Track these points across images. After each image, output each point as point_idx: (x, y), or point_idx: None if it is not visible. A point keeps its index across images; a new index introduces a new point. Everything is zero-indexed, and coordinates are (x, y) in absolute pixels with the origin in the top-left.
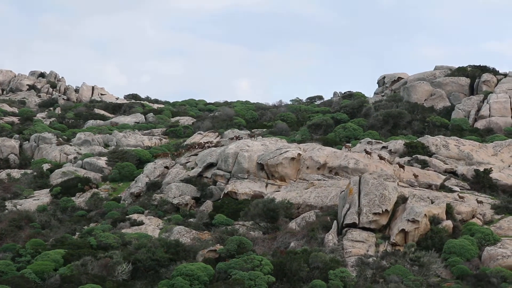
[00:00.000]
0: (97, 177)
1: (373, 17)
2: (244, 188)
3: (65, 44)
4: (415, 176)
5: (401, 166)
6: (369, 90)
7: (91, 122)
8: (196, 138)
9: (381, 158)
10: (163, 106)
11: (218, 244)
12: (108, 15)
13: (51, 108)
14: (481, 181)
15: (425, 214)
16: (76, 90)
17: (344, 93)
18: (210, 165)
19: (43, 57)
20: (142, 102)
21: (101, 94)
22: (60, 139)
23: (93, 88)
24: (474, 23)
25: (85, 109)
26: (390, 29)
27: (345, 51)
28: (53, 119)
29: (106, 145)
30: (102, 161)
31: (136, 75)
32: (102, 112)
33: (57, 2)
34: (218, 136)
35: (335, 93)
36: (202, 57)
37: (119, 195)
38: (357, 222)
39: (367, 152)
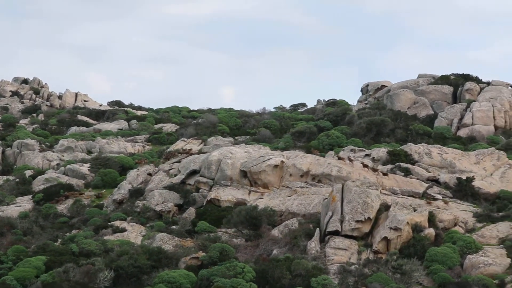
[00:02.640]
0: (80, 184)
1: (358, 25)
2: (227, 195)
3: (50, 51)
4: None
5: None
6: (352, 98)
7: (74, 129)
8: (179, 145)
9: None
10: (146, 113)
11: (201, 251)
12: (94, 23)
13: (34, 115)
14: (463, 189)
15: (407, 222)
16: (60, 97)
17: (328, 100)
18: (193, 172)
19: (27, 64)
20: (125, 109)
21: (85, 101)
22: (42, 145)
23: (76, 94)
24: (459, 32)
25: (68, 115)
26: (374, 37)
27: (329, 58)
28: (36, 125)
29: (89, 152)
30: (85, 168)
31: (121, 82)
32: (85, 118)
33: (43, 9)
34: (201, 143)
35: (318, 101)
36: (187, 64)
37: (101, 202)
38: (340, 230)
39: (339, 158)
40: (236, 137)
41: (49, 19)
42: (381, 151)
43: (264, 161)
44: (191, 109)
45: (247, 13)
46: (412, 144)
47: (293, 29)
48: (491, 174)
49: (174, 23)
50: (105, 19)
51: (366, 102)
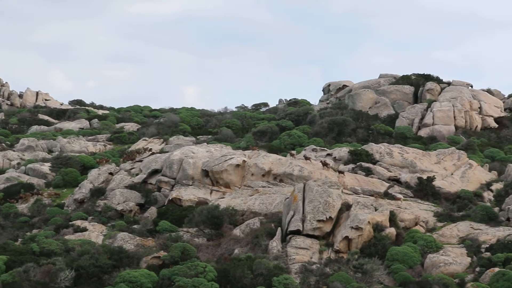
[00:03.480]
0: (41, 183)
1: (320, 25)
2: (188, 194)
3: (13, 50)
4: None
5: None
6: (314, 97)
7: (35, 128)
8: (141, 144)
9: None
10: (108, 112)
11: (162, 251)
12: (58, 22)
13: None
14: (424, 189)
15: (368, 222)
16: (20, 96)
17: (290, 100)
18: (155, 172)
19: None
20: (87, 108)
21: (46, 100)
22: (3, 144)
23: (37, 93)
24: (420, 33)
25: (29, 114)
26: (336, 37)
27: (291, 58)
28: None
29: (50, 151)
30: (45, 167)
31: (83, 81)
32: (46, 117)
33: (6, 8)
34: (163, 143)
35: (280, 100)
36: (150, 63)
37: (62, 201)
38: (301, 229)
39: (291, 155)
40: (198, 137)
41: (13, 18)
42: (342, 151)
43: (226, 160)
44: (153, 108)
45: (210, 12)
46: (373, 143)
47: (256, 29)
48: (452, 174)
49: (137, 22)
50: (69, 19)
51: (328, 101)
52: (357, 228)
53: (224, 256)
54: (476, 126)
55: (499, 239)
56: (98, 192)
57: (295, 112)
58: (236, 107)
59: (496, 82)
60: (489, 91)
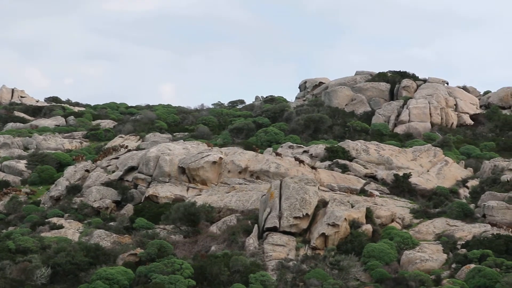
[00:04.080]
0: (16, 181)
1: (296, 22)
2: (165, 191)
3: None
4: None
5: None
6: (290, 94)
7: (10, 125)
8: (117, 141)
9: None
10: (84, 109)
11: (139, 248)
12: (34, 19)
13: None
14: (400, 186)
15: (345, 218)
16: None
17: (266, 97)
18: (131, 169)
19: None
20: (62, 105)
21: (21, 97)
22: None
23: (13, 90)
24: (396, 30)
25: (5, 111)
26: (312, 34)
27: (267, 55)
28: None
29: (25, 148)
30: (21, 164)
31: (59, 78)
32: (22, 114)
33: None
34: (139, 140)
35: (256, 97)
36: (127, 60)
37: (38, 199)
38: (278, 226)
39: (255, 151)
40: (174, 134)
41: None
42: (319, 148)
43: (203, 157)
44: (129, 105)
45: (187, 9)
46: (349, 140)
47: (232, 26)
48: (428, 171)
49: (113, 19)
50: (45, 15)
51: (304, 99)
52: (334, 225)
53: (201, 253)
54: (452, 123)
55: (475, 235)
56: (74, 189)
57: (272, 109)
58: (212, 104)
59: (471, 80)
60: (464, 88)
